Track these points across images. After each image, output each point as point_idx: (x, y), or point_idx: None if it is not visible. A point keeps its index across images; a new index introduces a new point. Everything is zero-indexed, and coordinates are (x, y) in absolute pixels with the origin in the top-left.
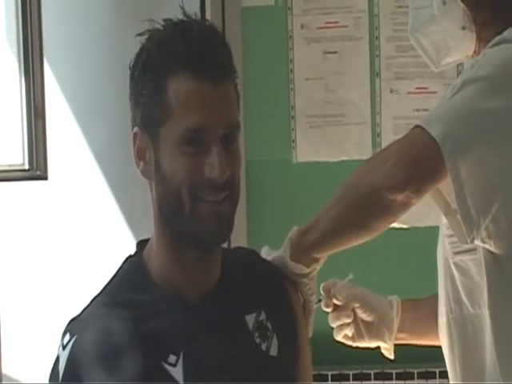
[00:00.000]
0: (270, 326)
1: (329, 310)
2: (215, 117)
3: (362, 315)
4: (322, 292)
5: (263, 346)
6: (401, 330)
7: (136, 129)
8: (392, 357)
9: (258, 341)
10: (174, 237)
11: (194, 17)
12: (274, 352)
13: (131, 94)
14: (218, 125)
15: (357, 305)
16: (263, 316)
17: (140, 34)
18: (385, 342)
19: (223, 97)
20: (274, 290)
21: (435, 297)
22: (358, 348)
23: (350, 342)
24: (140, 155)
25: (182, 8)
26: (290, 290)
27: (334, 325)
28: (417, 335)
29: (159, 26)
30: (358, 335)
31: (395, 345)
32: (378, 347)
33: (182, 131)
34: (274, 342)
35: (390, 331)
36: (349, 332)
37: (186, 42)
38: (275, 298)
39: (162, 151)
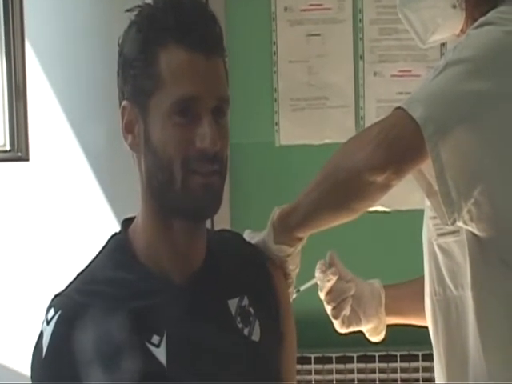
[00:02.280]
0: (252, 311)
1: (334, 278)
2: (206, 88)
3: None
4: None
5: (245, 331)
6: (389, 311)
7: (125, 102)
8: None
9: (240, 326)
10: (161, 211)
11: None
12: (256, 337)
13: (119, 70)
14: (209, 96)
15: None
16: (246, 301)
17: (129, 10)
18: (374, 324)
19: (214, 69)
20: (257, 275)
21: (418, 279)
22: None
23: (343, 329)
24: (128, 128)
25: None
26: (274, 274)
27: (335, 301)
28: (400, 316)
29: (149, 1)
30: (355, 317)
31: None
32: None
33: (174, 101)
34: (257, 327)
35: (379, 314)
36: (347, 311)
37: (178, 14)
38: (259, 283)
39: (152, 123)
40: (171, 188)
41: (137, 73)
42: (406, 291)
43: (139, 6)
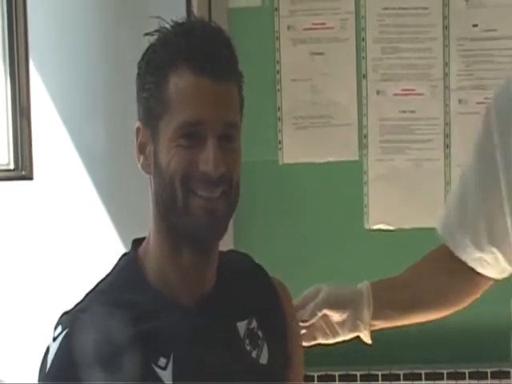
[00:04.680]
0: (260, 334)
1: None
2: (212, 113)
3: (334, 317)
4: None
5: (253, 354)
6: (376, 316)
7: (138, 123)
8: (369, 342)
9: (248, 348)
10: (170, 233)
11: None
12: (264, 360)
13: (137, 91)
14: (215, 121)
15: (326, 311)
16: (254, 324)
17: (148, 34)
18: (361, 332)
19: (223, 94)
20: (266, 297)
21: (411, 269)
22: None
23: (324, 341)
24: (141, 149)
25: (192, 11)
26: (282, 297)
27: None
28: (394, 319)
29: (168, 26)
30: (332, 333)
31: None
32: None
33: (179, 124)
34: (265, 349)
35: (364, 322)
36: (320, 337)
37: (189, 38)
38: (267, 305)
39: (160, 145)
40: (174, 208)
41: (148, 95)
42: (400, 294)
43: (158, 30)
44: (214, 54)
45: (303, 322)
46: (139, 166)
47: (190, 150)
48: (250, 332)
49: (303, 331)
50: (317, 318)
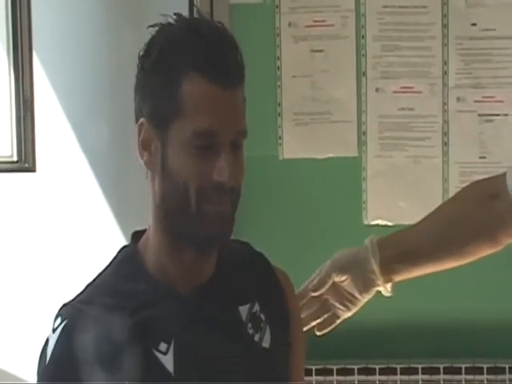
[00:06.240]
0: (263, 318)
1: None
2: (226, 122)
3: (346, 282)
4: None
5: (256, 337)
6: (386, 272)
7: (143, 120)
8: (389, 294)
9: (250, 332)
10: (173, 230)
11: (206, 16)
12: (266, 343)
13: (139, 85)
14: (229, 130)
15: (335, 276)
16: (257, 307)
17: (151, 26)
18: (378, 286)
19: (235, 102)
20: (267, 283)
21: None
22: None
23: (346, 314)
24: (145, 146)
25: (196, 6)
26: (283, 284)
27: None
28: (404, 273)
29: (171, 20)
30: (350, 301)
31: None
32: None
33: (194, 133)
34: (267, 333)
35: (376, 274)
36: (340, 311)
37: (200, 41)
38: (268, 291)
39: (171, 148)
40: (185, 213)
41: (157, 94)
42: (409, 247)
43: (161, 24)
44: (225, 60)
45: (314, 291)
46: (142, 162)
47: (204, 159)
48: (252, 315)
49: (315, 307)
50: (328, 285)
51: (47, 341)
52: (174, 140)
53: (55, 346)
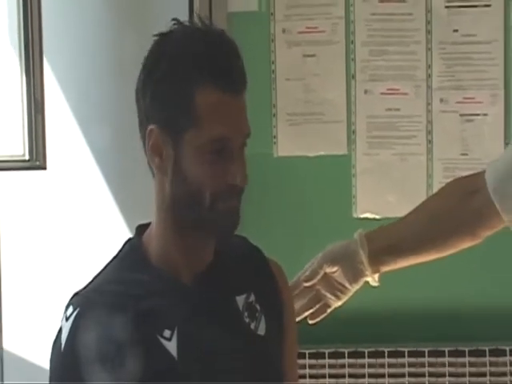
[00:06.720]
0: (258, 308)
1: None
2: (238, 127)
3: (337, 273)
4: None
5: (252, 326)
6: (374, 263)
7: (153, 126)
8: (376, 284)
9: (247, 320)
10: (182, 225)
11: (207, 22)
12: (261, 331)
13: (146, 90)
14: (240, 135)
15: (326, 267)
16: (252, 297)
17: (157, 35)
18: (366, 276)
19: (242, 107)
20: (262, 275)
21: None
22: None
23: (336, 303)
24: (156, 151)
25: (197, 14)
26: (277, 276)
27: (307, 308)
28: (392, 264)
29: (174, 27)
30: (340, 290)
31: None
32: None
33: (209, 140)
34: (262, 322)
35: (364, 265)
36: (331, 301)
37: (211, 53)
38: (263, 282)
39: (184, 154)
40: (198, 211)
41: (170, 104)
42: (396, 240)
43: (165, 32)
44: (233, 68)
45: (307, 282)
46: (154, 166)
47: (217, 163)
48: (248, 305)
49: (310, 295)
50: (319, 276)
51: (60, 329)
52: (189, 147)
53: (69, 333)
